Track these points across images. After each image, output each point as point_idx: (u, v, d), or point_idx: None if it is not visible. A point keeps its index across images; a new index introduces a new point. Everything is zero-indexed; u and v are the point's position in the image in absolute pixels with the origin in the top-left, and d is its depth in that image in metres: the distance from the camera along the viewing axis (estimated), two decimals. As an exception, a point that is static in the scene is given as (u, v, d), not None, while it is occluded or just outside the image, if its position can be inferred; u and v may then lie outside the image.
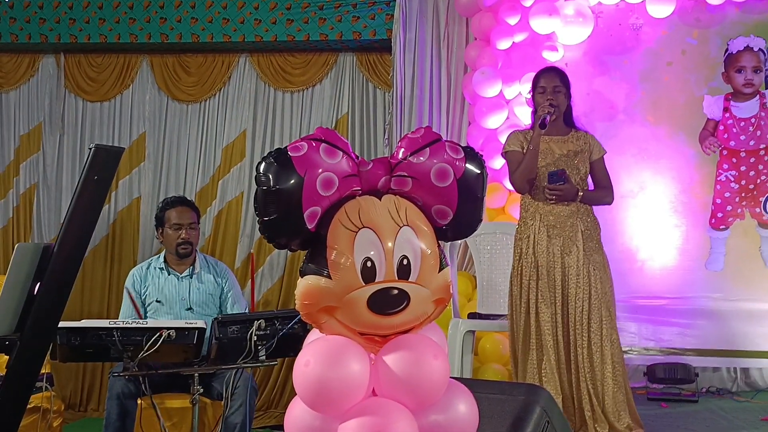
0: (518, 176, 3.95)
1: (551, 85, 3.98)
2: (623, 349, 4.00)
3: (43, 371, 2.91)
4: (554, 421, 2.29)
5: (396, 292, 1.89)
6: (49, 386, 3.41)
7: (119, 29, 5.77)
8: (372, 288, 1.88)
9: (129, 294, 4.07)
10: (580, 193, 3.92)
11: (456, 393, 2.02)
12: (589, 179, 4.06)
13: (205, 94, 5.91)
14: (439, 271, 1.97)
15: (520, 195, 4.10)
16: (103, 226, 5.87)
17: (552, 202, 3.90)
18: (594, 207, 4.01)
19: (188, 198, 4.71)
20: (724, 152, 5.21)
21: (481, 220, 2.06)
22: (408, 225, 1.94)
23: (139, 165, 5.95)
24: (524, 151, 3.95)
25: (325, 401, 1.91)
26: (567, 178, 3.88)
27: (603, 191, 4.05)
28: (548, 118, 3.87)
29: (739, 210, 5.19)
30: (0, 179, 6.08)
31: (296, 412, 2.01)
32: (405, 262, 1.91)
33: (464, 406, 2.02)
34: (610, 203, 4.12)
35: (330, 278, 1.89)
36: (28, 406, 2.88)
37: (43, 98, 6.04)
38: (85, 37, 5.81)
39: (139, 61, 5.98)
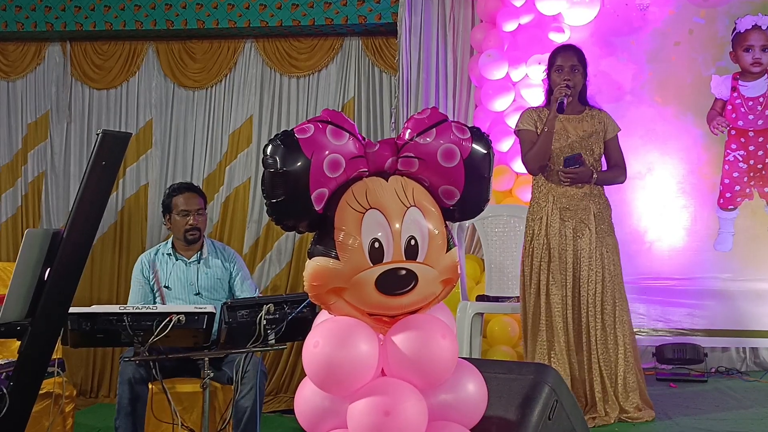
0: (531, 158, 3.91)
1: (568, 63, 3.91)
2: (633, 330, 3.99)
3: (54, 357, 2.93)
4: (563, 400, 2.30)
5: (404, 272, 1.90)
6: (60, 371, 3.42)
7: (124, 16, 5.77)
8: (380, 269, 1.89)
9: (143, 280, 4.10)
10: (595, 176, 3.88)
11: (465, 372, 2.03)
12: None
13: (212, 80, 5.92)
14: (446, 252, 1.98)
15: (529, 176, 4.08)
16: (111, 214, 5.89)
17: (566, 184, 3.88)
18: (604, 188, 3.99)
19: (195, 184, 4.72)
20: (733, 132, 5.19)
21: (489, 200, 2.06)
22: (415, 206, 1.94)
23: (146, 152, 5.97)
24: (537, 130, 3.91)
25: (335, 381, 1.92)
26: (583, 161, 3.85)
27: (616, 170, 4.01)
28: (566, 101, 3.83)
29: (748, 190, 5.17)
30: (8, 168, 6.11)
31: (306, 393, 2.02)
32: (412, 242, 1.92)
33: (473, 386, 2.03)
34: (623, 182, 4.08)
35: (338, 259, 1.90)
36: (40, 392, 2.91)
37: (50, 86, 6.06)
38: (90, 24, 5.81)
39: (144, 48, 5.99)
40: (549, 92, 3.98)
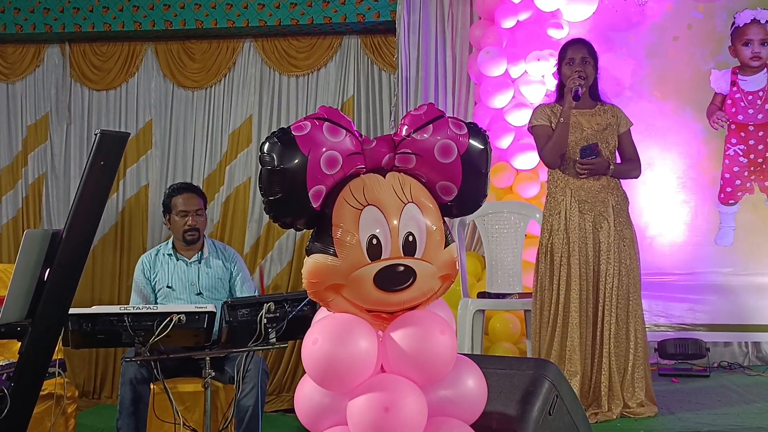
0: (548, 151, 3.90)
1: (579, 55, 3.91)
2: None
3: (55, 357, 2.94)
4: (563, 395, 2.30)
5: (402, 268, 1.90)
6: (61, 372, 3.43)
7: (123, 17, 5.78)
8: (378, 265, 1.89)
9: (144, 281, 4.11)
10: (612, 167, 3.88)
11: (464, 368, 2.03)
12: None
13: (211, 80, 5.92)
14: (444, 248, 1.97)
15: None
16: (112, 215, 5.90)
17: (583, 177, 3.86)
18: (621, 181, 3.98)
19: (195, 184, 4.72)
20: (732, 126, 5.19)
21: (486, 196, 2.06)
22: (413, 202, 1.94)
23: (147, 153, 5.98)
24: (552, 125, 3.90)
25: (334, 378, 1.92)
26: (599, 152, 3.84)
27: (631, 164, 4.00)
28: (580, 89, 3.83)
29: (748, 184, 5.17)
30: (9, 170, 6.12)
31: (306, 390, 2.03)
32: (410, 238, 1.92)
33: (472, 381, 2.03)
34: (637, 176, 4.07)
35: (336, 256, 1.90)
36: (42, 393, 2.91)
37: (49, 88, 6.06)
38: (89, 25, 5.82)
39: (143, 49, 5.99)
40: (560, 87, 3.98)
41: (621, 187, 3.95)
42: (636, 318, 3.83)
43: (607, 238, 3.82)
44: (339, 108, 5.67)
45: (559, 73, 4.00)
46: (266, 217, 5.73)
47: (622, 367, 3.79)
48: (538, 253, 3.96)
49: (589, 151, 3.81)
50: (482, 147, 2.01)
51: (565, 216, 3.86)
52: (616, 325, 3.80)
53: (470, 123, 2.04)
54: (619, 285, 3.80)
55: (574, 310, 3.79)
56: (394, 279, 1.90)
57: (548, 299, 3.87)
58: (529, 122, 4.03)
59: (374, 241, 1.89)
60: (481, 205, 2.07)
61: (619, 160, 4.01)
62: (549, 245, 3.89)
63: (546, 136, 3.91)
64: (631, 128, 4.05)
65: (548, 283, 3.87)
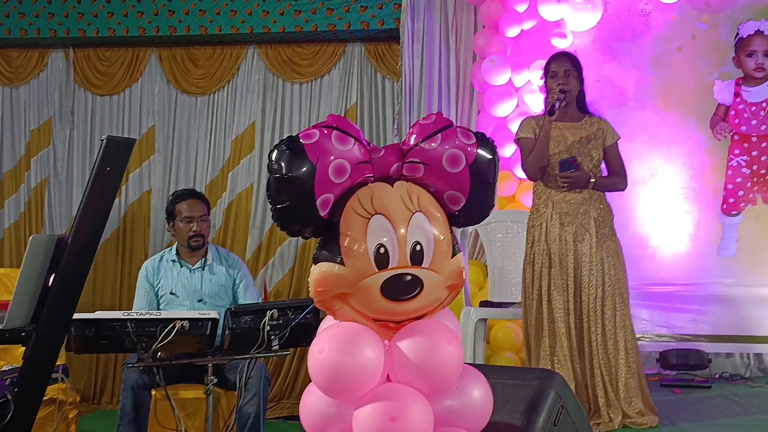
0: (530, 164, 3.93)
1: (562, 69, 3.95)
2: (636, 335, 3.99)
3: (58, 363, 2.93)
4: (568, 406, 2.30)
5: (409, 278, 1.90)
6: (64, 377, 3.42)
7: (128, 23, 5.79)
8: (385, 274, 1.89)
9: (147, 287, 4.11)
10: (592, 180, 3.90)
11: (470, 378, 2.03)
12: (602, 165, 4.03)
13: (214, 86, 5.93)
14: (452, 257, 1.97)
15: (532, 182, 4.09)
16: (114, 220, 5.90)
17: (564, 189, 3.89)
18: (605, 193, 4.00)
19: (198, 190, 4.73)
20: (736, 137, 5.19)
21: (494, 206, 2.07)
22: (420, 211, 1.94)
23: (149, 158, 5.98)
24: (537, 137, 3.93)
25: (340, 387, 1.92)
26: (578, 165, 3.86)
27: (616, 177, 4.03)
28: (558, 104, 3.85)
29: (751, 195, 5.17)
30: (11, 174, 6.12)
31: (311, 399, 2.02)
32: (418, 248, 1.92)
33: (478, 391, 2.03)
34: (623, 189, 4.09)
35: (343, 265, 1.90)
36: (44, 398, 2.90)
37: (53, 93, 6.07)
38: (93, 31, 5.83)
39: (147, 55, 6.00)
40: (547, 100, 4.01)
41: (605, 199, 3.97)
42: (625, 328, 3.83)
43: (589, 250, 3.83)
44: (342, 115, 5.67)
45: (545, 86, 4.02)
46: (268, 224, 5.75)
47: (614, 378, 3.79)
48: (523, 264, 3.99)
49: (567, 164, 3.83)
50: (490, 157, 2.01)
51: (545, 228, 3.89)
52: (603, 336, 3.81)
53: (478, 133, 2.04)
54: (603, 296, 3.82)
55: (560, 320, 3.81)
56: (401, 288, 1.90)
57: (534, 310, 3.88)
58: (516, 134, 4.06)
59: (382, 250, 1.89)
60: (488, 215, 2.07)
61: (605, 173, 4.02)
62: (531, 256, 3.92)
63: (529, 149, 3.94)
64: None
65: (531, 294, 3.90)
